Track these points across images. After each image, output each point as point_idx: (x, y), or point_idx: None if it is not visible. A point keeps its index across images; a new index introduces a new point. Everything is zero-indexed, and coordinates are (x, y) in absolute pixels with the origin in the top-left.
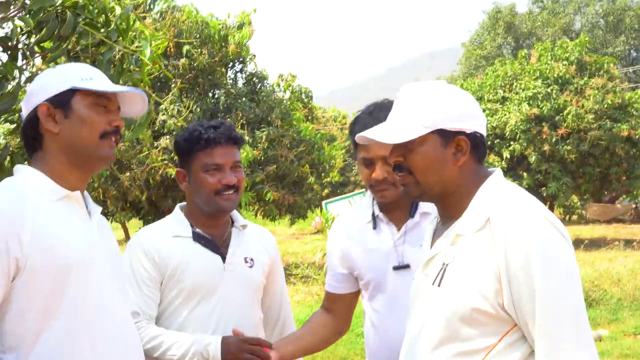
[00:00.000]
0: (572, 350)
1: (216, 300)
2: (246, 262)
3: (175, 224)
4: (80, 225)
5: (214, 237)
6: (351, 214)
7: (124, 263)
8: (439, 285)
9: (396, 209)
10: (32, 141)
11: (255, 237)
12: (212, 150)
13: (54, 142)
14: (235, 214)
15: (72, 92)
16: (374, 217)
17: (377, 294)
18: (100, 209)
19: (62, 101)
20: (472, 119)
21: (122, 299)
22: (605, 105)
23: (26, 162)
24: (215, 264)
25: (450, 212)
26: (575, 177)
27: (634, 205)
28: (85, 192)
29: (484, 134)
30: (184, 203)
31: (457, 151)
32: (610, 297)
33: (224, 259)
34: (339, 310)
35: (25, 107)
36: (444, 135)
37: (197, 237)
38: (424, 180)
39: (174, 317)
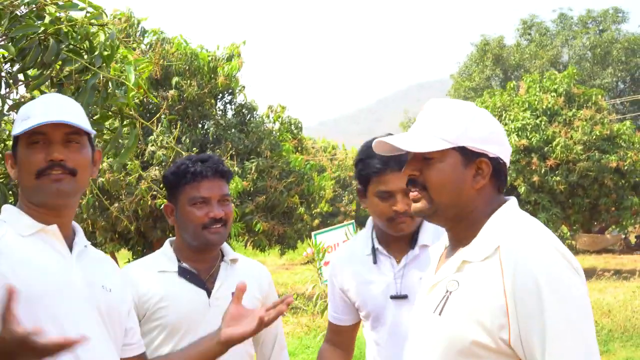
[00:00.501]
0: None
1: (198, 335)
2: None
3: (163, 258)
4: (53, 258)
5: (201, 272)
6: (350, 246)
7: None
8: (440, 314)
9: (397, 240)
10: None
11: (246, 271)
12: (199, 184)
13: (19, 186)
14: (225, 247)
15: (16, 138)
16: (374, 251)
17: (377, 326)
18: (85, 242)
19: (14, 149)
20: (497, 144)
21: (102, 333)
22: (594, 137)
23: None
24: (199, 298)
25: (459, 237)
26: (564, 208)
27: (623, 236)
28: (75, 226)
29: (508, 163)
30: (174, 238)
31: (477, 174)
32: (601, 329)
33: (209, 293)
34: (345, 341)
35: None
36: (466, 155)
37: (182, 272)
38: (438, 198)
39: (157, 353)
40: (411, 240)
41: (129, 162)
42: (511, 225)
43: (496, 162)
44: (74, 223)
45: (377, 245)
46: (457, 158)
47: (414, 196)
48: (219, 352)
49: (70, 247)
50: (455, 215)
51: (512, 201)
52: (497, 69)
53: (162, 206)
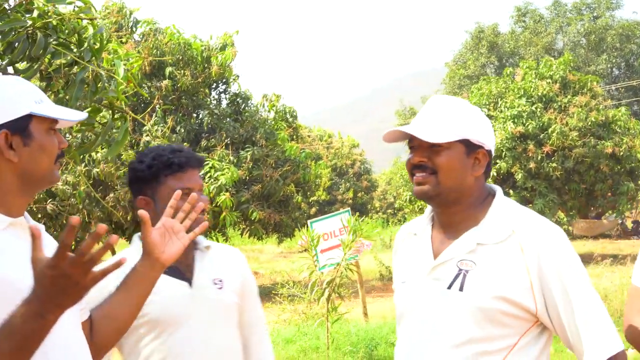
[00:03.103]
0: (613, 338)
1: (187, 328)
2: (215, 283)
3: (136, 254)
4: (28, 252)
5: (178, 263)
6: None
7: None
8: (460, 290)
9: None
10: None
11: (221, 256)
12: (183, 174)
13: (9, 170)
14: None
15: (29, 117)
16: None
17: None
18: (43, 227)
19: (21, 127)
20: (491, 139)
21: (77, 319)
22: (589, 123)
23: None
24: (182, 290)
25: (456, 220)
26: (561, 194)
27: (620, 221)
28: (25, 213)
29: (493, 155)
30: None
31: (475, 163)
32: None
33: (190, 283)
34: None
35: None
36: (468, 146)
37: None
38: (444, 182)
39: (141, 350)
40: None
41: (124, 153)
42: (519, 211)
43: (489, 154)
44: None
45: None
46: (461, 148)
47: (420, 179)
48: (159, 276)
49: None
50: (456, 199)
51: (500, 189)
52: (492, 56)
53: (137, 200)
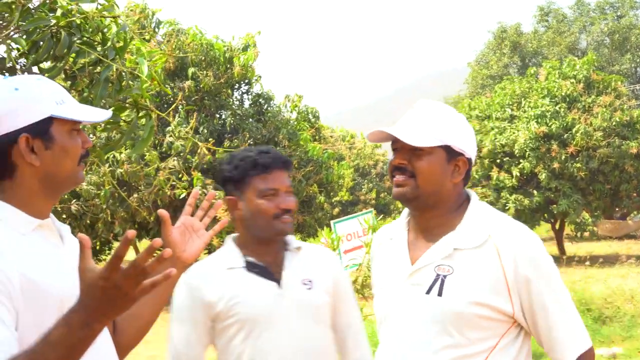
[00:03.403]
0: (582, 337)
1: (276, 328)
2: (304, 284)
3: (228, 255)
4: (59, 255)
5: (268, 264)
6: None
7: None
8: (439, 295)
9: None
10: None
11: (312, 257)
12: (268, 175)
13: (32, 173)
14: (288, 237)
15: (50, 119)
16: None
17: None
18: (68, 228)
19: (42, 131)
20: (472, 147)
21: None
22: (614, 123)
23: None
24: (270, 290)
25: (432, 224)
26: (585, 194)
27: None
28: (50, 214)
29: (473, 164)
30: (234, 234)
31: (455, 170)
32: (623, 314)
33: (279, 284)
34: None
35: None
36: (450, 152)
37: (250, 267)
38: (423, 185)
39: (232, 349)
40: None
41: (147, 153)
42: (495, 216)
43: (469, 162)
44: None
45: None
46: (442, 154)
47: (400, 181)
48: (179, 275)
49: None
50: (434, 203)
51: (475, 194)
52: (515, 56)
53: (226, 200)
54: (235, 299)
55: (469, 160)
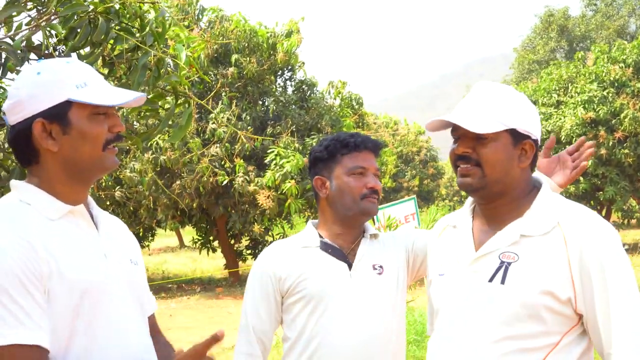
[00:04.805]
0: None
1: (340, 308)
2: (374, 269)
3: (306, 236)
4: (89, 242)
5: (343, 247)
6: None
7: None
8: (502, 283)
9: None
10: (25, 155)
11: (386, 244)
12: (358, 154)
13: (53, 159)
14: (366, 224)
15: (68, 103)
16: None
17: None
18: (103, 213)
19: (59, 115)
20: (538, 128)
21: (138, 311)
22: None
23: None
24: (340, 271)
25: (499, 212)
26: (633, 181)
27: None
28: (89, 199)
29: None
30: (315, 220)
31: (522, 154)
32: None
33: (350, 266)
34: None
35: (13, 116)
36: (515, 136)
37: (324, 247)
38: (490, 174)
39: (297, 324)
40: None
41: (190, 141)
42: (565, 203)
43: (536, 144)
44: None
45: None
46: (507, 139)
47: (465, 170)
48: None
49: (92, 222)
50: (500, 191)
51: (547, 180)
52: (562, 40)
53: (314, 179)
54: (305, 275)
55: (535, 142)
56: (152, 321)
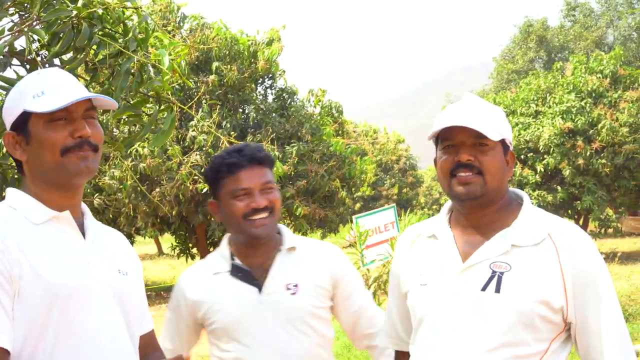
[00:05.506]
0: (631, 349)
1: (254, 335)
2: (288, 288)
3: (218, 258)
4: (72, 248)
5: (254, 267)
6: None
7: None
8: (497, 292)
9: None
10: (16, 164)
11: (307, 257)
12: (237, 176)
13: (27, 167)
14: (286, 235)
15: (27, 114)
16: None
17: None
18: (97, 224)
19: (21, 126)
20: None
21: (120, 323)
22: None
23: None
24: (250, 297)
25: (486, 221)
26: (610, 191)
27: None
28: (84, 208)
29: None
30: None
31: (507, 164)
32: None
33: (260, 289)
34: None
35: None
36: (504, 146)
37: (234, 271)
38: (491, 182)
39: (216, 354)
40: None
41: (170, 148)
42: (550, 215)
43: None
44: (82, 202)
45: None
46: (500, 149)
47: (468, 178)
48: None
49: (82, 231)
50: (494, 199)
51: (524, 192)
52: (541, 50)
53: (208, 204)
54: (216, 305)
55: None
56: (149, 338)
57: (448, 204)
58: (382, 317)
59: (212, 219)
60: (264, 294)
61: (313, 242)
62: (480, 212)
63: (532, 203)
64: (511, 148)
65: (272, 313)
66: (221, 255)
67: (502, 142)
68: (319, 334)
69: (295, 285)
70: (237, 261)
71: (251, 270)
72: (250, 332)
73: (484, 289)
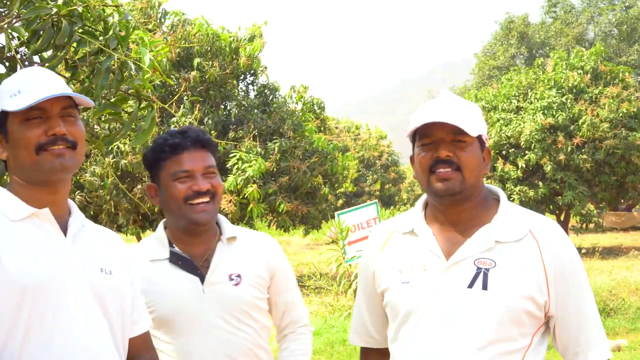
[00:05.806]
0: (606, 344)
1: (196, 327)
2: (231, 279)
3: (155, 244)
4: (50, 245)
5: (195, 256)
6: None
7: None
8: (484, 289)
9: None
10: (4, 162)
11: (247, 247)
12: (179, 157)
13: (9, 166)
14: (224, 224)
15: (4, 113)
16: None
17: None
18: (83, 221)
19: (1, 126)
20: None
21: (101, 322)
22: (621, 114)
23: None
24: (192, 287)
25: (465, 217)
26: (591, 186)
27: None
28: (71, 204)
29: None
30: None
31: (484, 160)
32: (628, 307)
33: (203, 279)
34: None
35: None
36: (481, 143)
37: (173, 258)
38: (469, 178)
39: (157, 345)
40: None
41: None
42: (528, 211)
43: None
44: (70, 200)
45: None
46: (477, 145)
47: (447, 174)
48: None
49: (65, 229)
50: (471, 196)
51: (500, 189)
52: (522, 47)
53: (146, 187)
54: (154, 294)
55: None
56: (143, 340)
57: (422, 199)
58: (306, 315)
59: None
60: (207, 284)
61: (251, 232)
62: (458, 208)
63: (514, 199)
64: (487, 144)
65: (215, 304)
66: (158, 241)
67: (479, 138)
68: (259, 325)
69: (238, 276)
70: (177, 249)
71: (192, 260)
72: (191, 323)
73: (470, 286)
